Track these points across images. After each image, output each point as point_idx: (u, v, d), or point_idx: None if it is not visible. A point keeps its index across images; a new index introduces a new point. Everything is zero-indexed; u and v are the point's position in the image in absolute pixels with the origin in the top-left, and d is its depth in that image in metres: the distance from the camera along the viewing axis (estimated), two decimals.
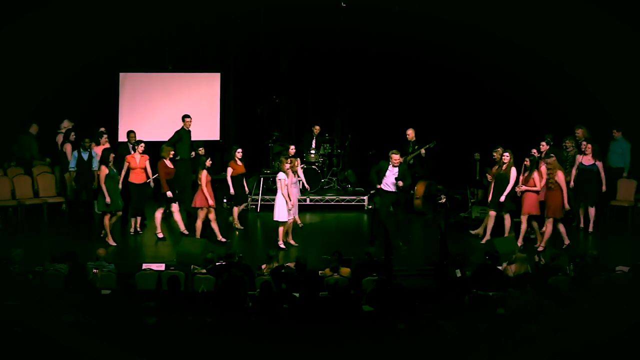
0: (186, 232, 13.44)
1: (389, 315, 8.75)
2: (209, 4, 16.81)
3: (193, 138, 14.77)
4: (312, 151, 16.12)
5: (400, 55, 17.00)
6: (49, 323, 8.25)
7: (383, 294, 9.53)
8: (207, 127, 16.47)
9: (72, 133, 14.58)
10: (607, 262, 11.37)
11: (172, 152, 13.62)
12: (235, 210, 14.14)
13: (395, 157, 12.94)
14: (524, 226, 13.03)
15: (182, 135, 14.60)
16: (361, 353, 7.73)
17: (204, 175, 13.12)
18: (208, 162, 13.21)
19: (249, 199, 15.01)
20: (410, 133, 15.07)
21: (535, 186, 12.87)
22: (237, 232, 13.96)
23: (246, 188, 14.26)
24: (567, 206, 12.87)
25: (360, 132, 17.35)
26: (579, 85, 15.93)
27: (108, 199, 12.89)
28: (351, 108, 17.67)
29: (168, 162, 13.41)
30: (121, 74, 16.67)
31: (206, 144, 15.41)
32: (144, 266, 11.21)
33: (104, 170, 12.92)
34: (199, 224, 13.22)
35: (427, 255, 12.63)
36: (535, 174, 12.89)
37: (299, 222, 14.17)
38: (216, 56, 17.42)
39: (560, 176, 12.79)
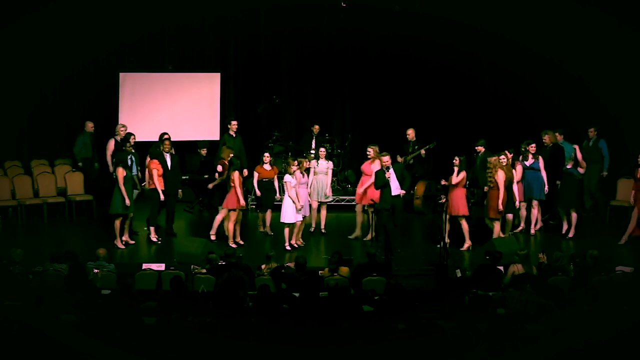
0: (237, 242, 13.07)
1: (389, 315, 8.75)
2: (209, 4, 16.82)
3: (194, 138, 14.72)
4: (312, 151, 16.09)
5: (400, 55, 17.01)
6: (49, 323, 8.25)
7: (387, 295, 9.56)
8: (207, 127, 16.47)
9: (133, 136, 13.88)
10: (607, 262, 11.37)
11: (232, 154, 13.47)
12: (264, 216, 13.76)
13: (385, 159, 12.94)
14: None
15: (226, 140, 14.48)
16: (361, 353, 7.73)
17: (236, 176, 12.97)
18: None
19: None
20: (411, 133, 15.06)
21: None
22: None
23: (277, 192, 13.78)
24: (500, 207, 12.82)
25: (360, 132, 17.34)
26: (579, 85, 15.92)
27: (128, 201, 12.80)
28: (351, 108, 17.68)
29: (227, 163, 13.37)
30: (121, 74, 16.64)
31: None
32: (144, 266, 11.21)
33: (122, 172, 12.85)
34: (230, 225, 13.05)
35: (427, 256, 12.64)
36: (463, 174, 12.87)
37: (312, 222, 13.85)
38: (216, 56, 17.41)
39: (500, 176, 12.79)
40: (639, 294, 9.53)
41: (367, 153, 13.46)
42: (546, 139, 14.02)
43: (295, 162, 12.98)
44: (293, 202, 12.75)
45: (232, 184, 12.95)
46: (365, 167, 13.46)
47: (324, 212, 13.90)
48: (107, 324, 8.15)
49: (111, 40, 16.35)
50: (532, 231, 13.77)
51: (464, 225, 13.00)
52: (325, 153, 13.96)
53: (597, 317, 8.60)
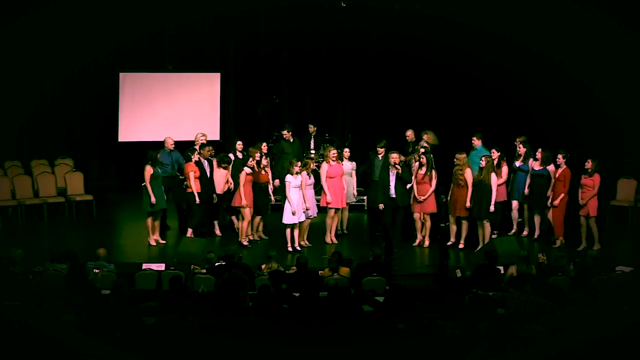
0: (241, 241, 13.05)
1: (389, 315, 8.75)
2: (209, 4, 16.83)
3: (194, 138, 14.65)
4: (312, 151, 16.09)
5: (401, 55, 17.02)
6: (49, 323, 8.25)
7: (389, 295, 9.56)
8: (207, 127, 16.41)
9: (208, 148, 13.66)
10: (607, 262, 11.37)
11: (258, 154, 13.18)
12: (257, 220, 13.51)
13: (394, 156, 12.97)
14: (428, 224, 13.04)
15: (283, 146, 14.40)
16: (361, 353, 7.73)
17: (243, 174, 12.88)
18: (250, 162, 12.97)
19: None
20: (410, 134, 14.99)
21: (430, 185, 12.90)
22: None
23: (272, 197, 13.63)
24: (468, 204, 12.77)
25: (361, 132, 17.34)
26: (579, 85, 15.92)
27: (154, 199, 12.82)
28: (351, 108, 17.69)
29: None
30: (121, 74, 16.66)
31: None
32: (144, 266, 11.21)
33: (149, 170, 12.84)
34: (244, 224, 13.04)
35: (427, 256, 12.65)
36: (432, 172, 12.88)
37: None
38: (216, 56, 17.43)
39: (468, 174, 12.75)
40: (639, 294, 9.53)
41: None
42: (425, 138, 13.83)
43: (298, 163, 12.86)
44: (289, 203, 12.70)
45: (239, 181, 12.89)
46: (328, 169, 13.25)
47: (346, 213, 13.75)
48: (107, 324, 8.15)
49: (111, 40, 16.37)
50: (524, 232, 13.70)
51: (427, 223, 12.98)
52: (349, 154, 13.82)
53: (597, 317, 8.60)
